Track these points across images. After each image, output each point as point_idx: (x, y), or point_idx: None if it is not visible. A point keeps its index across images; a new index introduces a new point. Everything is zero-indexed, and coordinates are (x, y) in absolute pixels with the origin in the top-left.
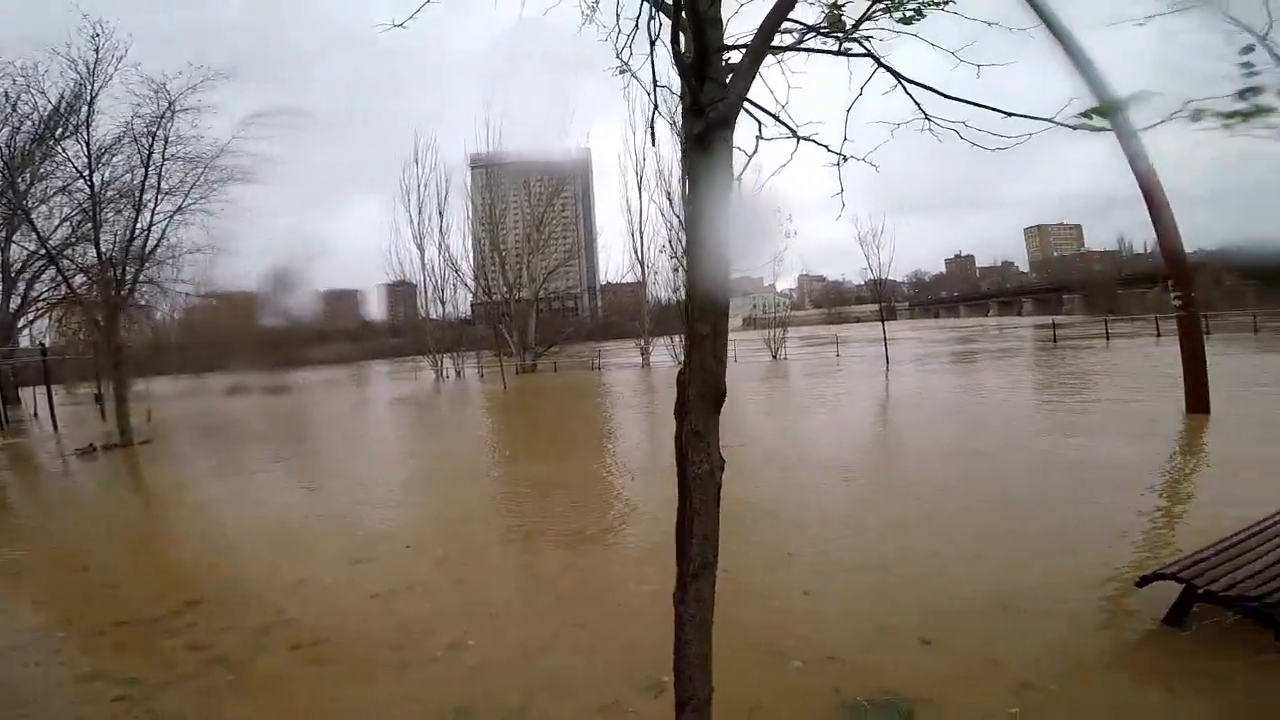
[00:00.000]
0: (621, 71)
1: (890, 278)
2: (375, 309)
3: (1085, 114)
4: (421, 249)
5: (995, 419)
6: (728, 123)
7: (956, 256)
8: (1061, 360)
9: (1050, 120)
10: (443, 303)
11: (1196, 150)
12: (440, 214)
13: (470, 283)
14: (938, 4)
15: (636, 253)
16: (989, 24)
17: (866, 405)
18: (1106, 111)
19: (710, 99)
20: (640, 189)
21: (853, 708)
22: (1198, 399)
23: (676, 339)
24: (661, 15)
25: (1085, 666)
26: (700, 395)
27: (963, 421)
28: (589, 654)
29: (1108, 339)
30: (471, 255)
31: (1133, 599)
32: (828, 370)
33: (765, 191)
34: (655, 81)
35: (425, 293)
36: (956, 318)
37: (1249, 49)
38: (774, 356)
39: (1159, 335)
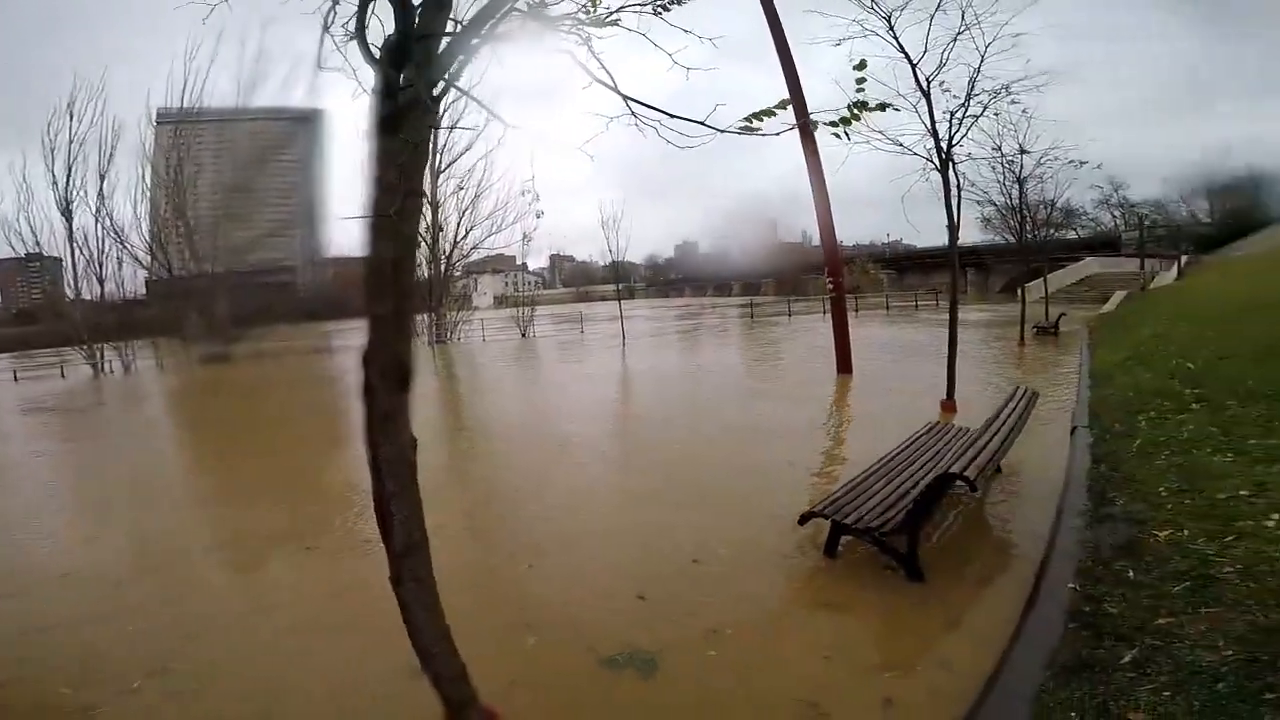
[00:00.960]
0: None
1: (630, 259)
2: None
3: (747, 118)
4: (69, 217)
5: (707, 387)
6: (422, 107)
7: (684, 243)
8: (757, 332)
9: (705, 124)
10: (100, 281)
11: (864, 158)
12: (101, 176)
13: (144, 256)
14: (657, 9)
15: None
16: (687, 31)
17: (595, 380)
18: (756, 119)
19: (408, 83)
20: None
21: (608, 661)
22: (844, 362)
23: (424, 318)
24: None
25: (760, 602)
26: (383, 375)
27: (678, 391)
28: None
29: (790, 316)
30: (147, 224)
31: (802, 536)
32: (572, 346)
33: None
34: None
35: (73, 269)
36: (682, 297)
37: (861, 65)
38: (523, 335)
39: (825, 313)
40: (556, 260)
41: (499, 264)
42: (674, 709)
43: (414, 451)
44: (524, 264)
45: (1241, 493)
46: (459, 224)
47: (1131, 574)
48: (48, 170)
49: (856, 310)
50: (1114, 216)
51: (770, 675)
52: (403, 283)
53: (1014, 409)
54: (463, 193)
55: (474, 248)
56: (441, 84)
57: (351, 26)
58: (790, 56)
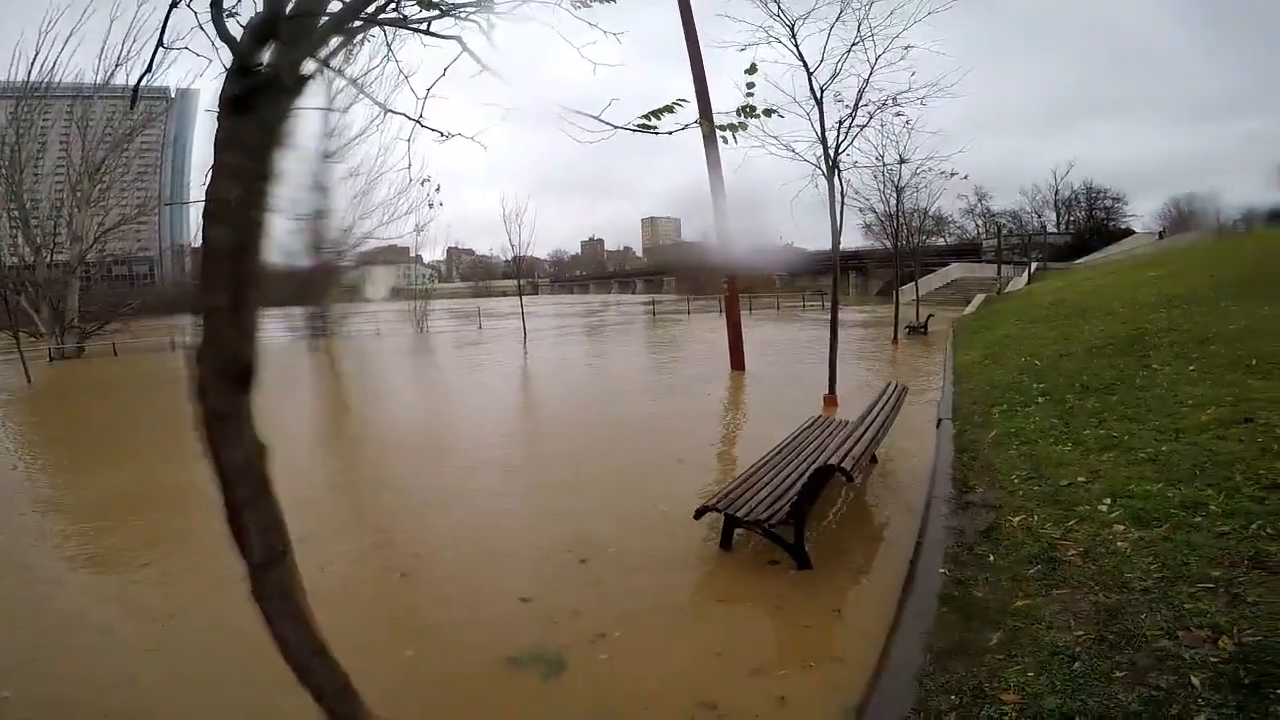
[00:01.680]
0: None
1: (534, 255)
2: None
3: (644, 116)
4: None
5: (602, 384)
6: (278, 87)
7: (590, 240)
8: (657, 330)
9: (601, 119)
10: None
11: (760, 162)
12: None
13: None
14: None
15: None
16: (592, 25)
17: (488, 377)
18: (655, 117)
19: (270, 63)
20: None
21: (514, 659)
22: (737, 359)
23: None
24: None
25: (656, 597)
26: (218, 374)
27: (572, 388)
28: None
29: (689, 314)
30: None
31: (698, 530)
32: (466, 344)
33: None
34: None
35: None
36: (587, 293)
37: (751, 69)
38: (419, 329)
39: (721, 311)
40: (454, 253)
41: (392, 255)
42: (570, 714)
43: (263, 458)
44: (418, 256)
45: (1079, 479)
46: (349, 211)
47: (991, 558)
48: None
49: (750, 309)
50: (977, 225)
51: (667, 677)
52: (243, 272)
53: (886, 403)
54: (354, 179)
55: (366, 237)
56: (310, 65)
57: None
58: (700, 57)
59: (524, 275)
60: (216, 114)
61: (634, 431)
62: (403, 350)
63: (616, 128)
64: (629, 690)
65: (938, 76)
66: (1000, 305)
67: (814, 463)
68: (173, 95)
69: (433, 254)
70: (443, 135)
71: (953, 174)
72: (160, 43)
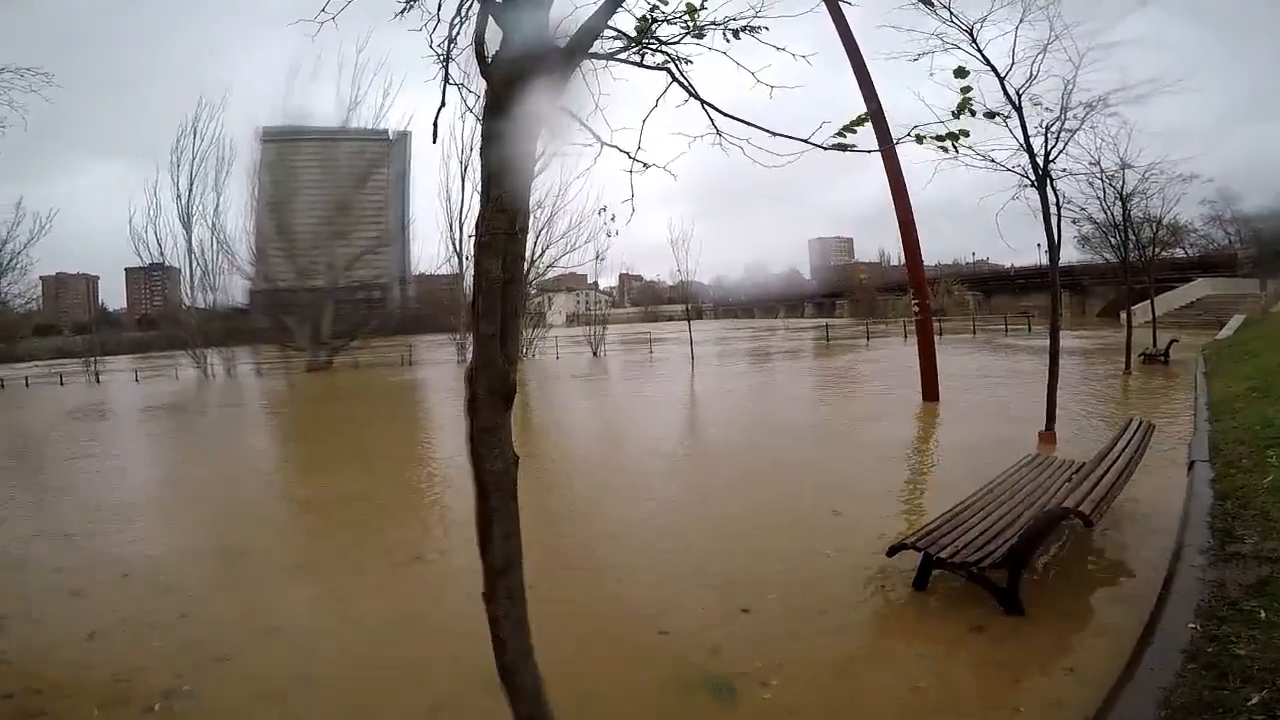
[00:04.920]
0: (441, 60)
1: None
2: (118, 297)
3: (839, 133)
4: (189, 229)
5: (783, 415)
6: (532, 121)
7: (754, 262)
8: (835, 358)
9: (807, 140)
10: (212, 291)
11: (947, 174)
12: (217, 191)
13: (248, 269)
14: (737, 31)
15: (455, 244)
16: (778, 48)
17: (676, 407)
18: (851, 132)
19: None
20: (464, 178)
21: (687, 686)
22: (930, 389)
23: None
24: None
25: (851, 634)
26: (489, 393)
27: (753, 418)
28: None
29: (868, 339)
30: (253, 238)
31: (893, 565)
32: (642, 367)
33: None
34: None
35: (190, 279)
36: (751, 318)
37: (961, 73)
38: (594, 354)
39: (906, 336)
40: (625, 279)
41: (571, 282)
42: None
43: (516, 468)
44: (595, 282)
45: None
46: (535, 241)
47: (1263, 614)
48: (173, 184)
49: (941, 334)
50: (1227, 233)
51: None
52: (510, 302)
53: (1130, 441)
54: (540, 210)
55: (550, 266)
56: (554, 99)
57: (448, 43)
58: (866, 72)
59: (689, 300)
60: (481, 150)
61: (826, 464)
62: (580, 374)
63: (815, 145)
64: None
65: (1162, 70)
66: (1267, 328)
67: (1033, 504)
68: (391, 138)
69: (607, 280)
70: (644, 166)
71: (1192, 177)
72: (446, 78)
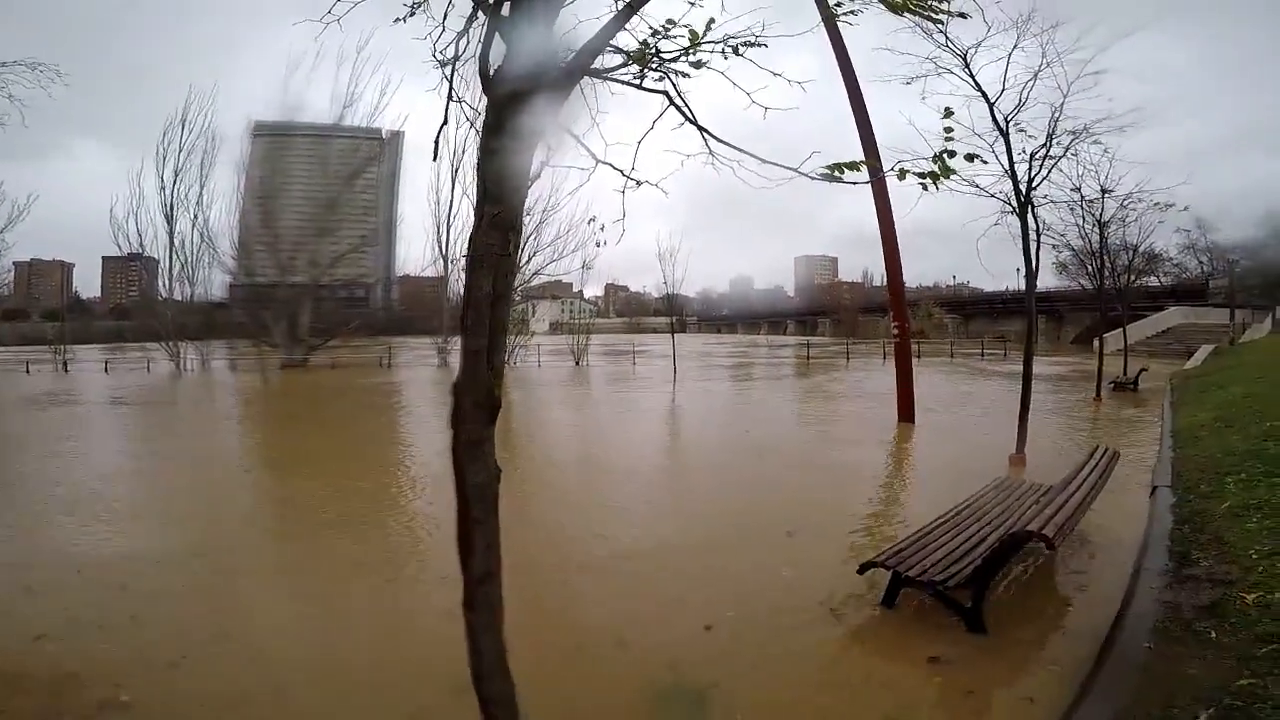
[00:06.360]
0: (442, 65)
1: (683, 293)
2: (93, 286)
3: (829, 168)
4: (171, 220)
5: (760, 431)
6: (531, 140)
7: (739, 277)
8: (815, 376)
9: (797, 170)
10: (191, 283)
11: (933, 198)
12: (202, 184)
13: (230, 262)
14: (736, 47)
15: (441, 246)
16: (775, 74)
17: (656, 421)
18: (840, 170)
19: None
20: (455, 180)
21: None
22: (906, 410)
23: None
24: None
25: (819, 650)
26: (475, 406)
27: (731, 433)
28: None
29: (848, 359)
30: (237, 231)
31: (863, 583)
32: (624, 379)
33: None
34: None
35: (169, 270)
36: (734, 333)
37: (948, 114)
38: (577, 363)
39: (885, 358)
40: (611, 289)
41: (556, 290)
42: None
43: (498, 481)
44: (580, 291)
45: None
46: (523, 248)
47: (1214, 634)
48: (158, 175)
49: (919, 355)
50: (1200, 263)
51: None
52: (499, 318)
53: (1094, 467)
54: (528, 218)
55: (535, 273)
56: (553, 119)
57: (450, 54)
58: (861, 97)
59: (674, 313)
60: (478, 166)
61: (799, 482)
62: (562, 382)
63: (804, 175)
64: None
65: (1143, 101)
66: (1234, 358)
67: (1001, 526)
68: (384, 137)
69: (592, 290)
70: (637, 184)
71: (1169, 205)
72: (451, 94)
